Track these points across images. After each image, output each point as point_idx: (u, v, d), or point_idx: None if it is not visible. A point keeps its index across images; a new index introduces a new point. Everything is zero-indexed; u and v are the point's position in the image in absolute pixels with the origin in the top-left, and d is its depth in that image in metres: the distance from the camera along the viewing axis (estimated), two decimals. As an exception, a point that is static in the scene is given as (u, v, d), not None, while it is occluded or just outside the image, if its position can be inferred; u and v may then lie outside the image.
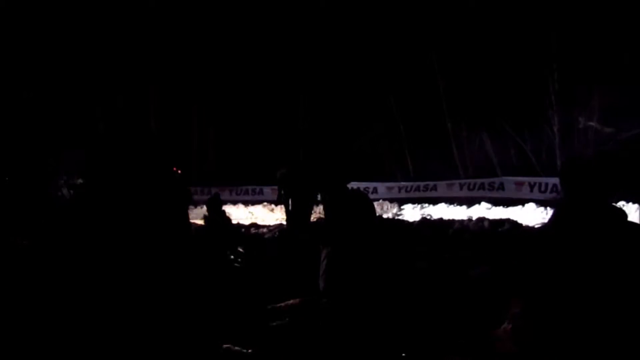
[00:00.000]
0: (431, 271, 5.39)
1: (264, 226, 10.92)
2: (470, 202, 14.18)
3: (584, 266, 2.11)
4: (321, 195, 8.90)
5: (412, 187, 16.60)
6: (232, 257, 4.14)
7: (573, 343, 2.12)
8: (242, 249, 5.09)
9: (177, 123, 21.04)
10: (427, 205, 14.55)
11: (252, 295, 4.04)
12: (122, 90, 19.32)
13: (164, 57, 19.79)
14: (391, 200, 15.36)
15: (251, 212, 15.55)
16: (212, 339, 3.44)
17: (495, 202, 13.67)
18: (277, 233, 9.21)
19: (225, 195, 15.47)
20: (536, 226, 8.37)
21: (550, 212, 11.79)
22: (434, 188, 15.95)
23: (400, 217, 13.19)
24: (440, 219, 10.51)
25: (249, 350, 3.14)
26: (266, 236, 9.19)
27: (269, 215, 14.65)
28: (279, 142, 17.92)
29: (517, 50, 14.07)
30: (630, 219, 2.21)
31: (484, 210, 12.99)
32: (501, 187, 14.55)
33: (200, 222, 7.74)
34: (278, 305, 3.68)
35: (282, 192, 9.04)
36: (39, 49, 17.19)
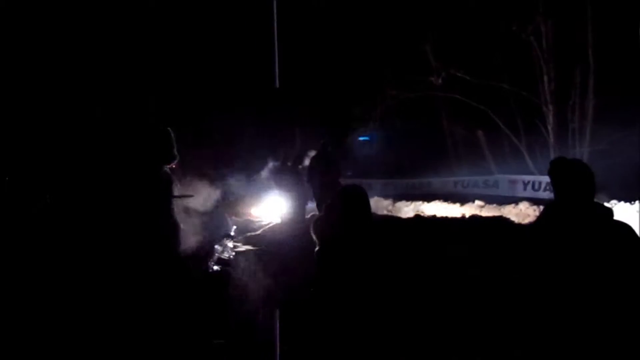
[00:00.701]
0: (425, 269, 5.41)
1: (258, 221, 10.89)
2: (464, 200, 14.23)
3: (572, 263, 2.14)
4: (313, 191, 8.92)
5: (406, 184, 16.63)
6: (221, 251, 4.14)
7: (565, 337, 2.15)
8: (232, 243, 5.08)
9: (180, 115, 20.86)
10: (420, 202, 14.57)
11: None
12: (123, 86, 19.09)
13: (168, 47, 19.61)
14: (386, 197, 15.37)
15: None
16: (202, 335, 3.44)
17: (489, 200, 13.72)
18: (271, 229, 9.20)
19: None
20: (528, 223, 8.41)
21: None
22: (429, 185, 15.99)
23: (392, 214, 13.20)
24: (434, 216, 10.50)
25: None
26: (259, 231, 9.17)
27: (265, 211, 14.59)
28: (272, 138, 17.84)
29: (514, 47, 14.09)
30: (629, 219, 2.24)
31: (477, 208, 13.03)
32: (495, 184, 14.61)
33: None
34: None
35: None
36: (40, 49, 16.99)
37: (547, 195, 12.80)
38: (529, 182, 13.75)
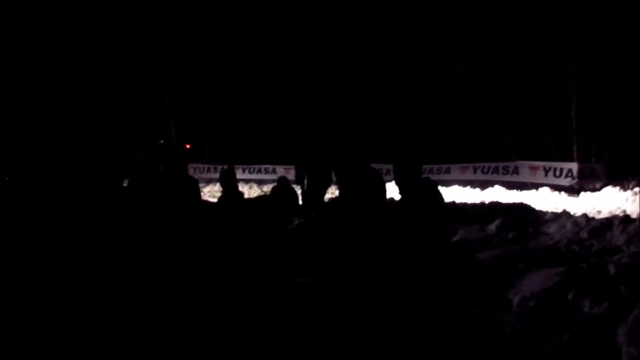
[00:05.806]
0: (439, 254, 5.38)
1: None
2: (484, 185, 14.12)
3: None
4: (336, 175, 8.89)
5: (425, 169, 16.43)
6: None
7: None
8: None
9: (191, 101, 21.14)
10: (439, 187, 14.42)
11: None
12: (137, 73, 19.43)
13: (178, 33, 19.79)
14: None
15: (264, 192, 15.60)
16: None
17: (509, 186, 13.60)
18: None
19: (238, 174, 15.51)
20: (549, 211, 8.33)
21: (564, 196, 11.71)
22: (447, 171, 15.88)
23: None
24: (453, 202, 10.40)
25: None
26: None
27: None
28: (292, 121, 17.90)
29: (537, 34, 13.80)
30: None
31: (497, 194, 12.90)
32: (515, 171, 14.42)
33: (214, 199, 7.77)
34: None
35: (299, 171, 9.05)
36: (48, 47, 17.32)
37: (568, 182, 12.63)
38: (550, 168, 13.54)
